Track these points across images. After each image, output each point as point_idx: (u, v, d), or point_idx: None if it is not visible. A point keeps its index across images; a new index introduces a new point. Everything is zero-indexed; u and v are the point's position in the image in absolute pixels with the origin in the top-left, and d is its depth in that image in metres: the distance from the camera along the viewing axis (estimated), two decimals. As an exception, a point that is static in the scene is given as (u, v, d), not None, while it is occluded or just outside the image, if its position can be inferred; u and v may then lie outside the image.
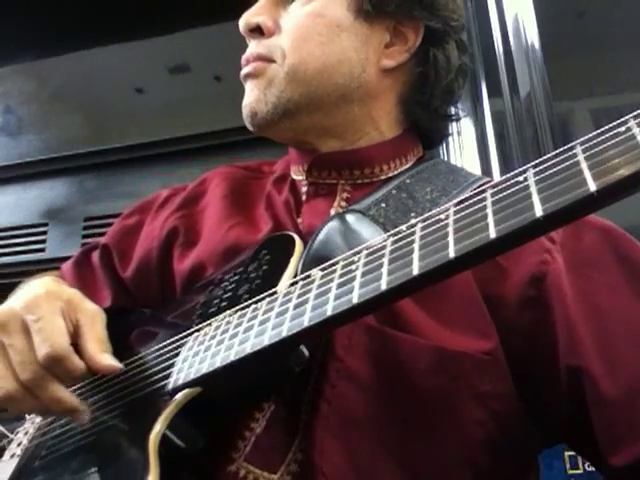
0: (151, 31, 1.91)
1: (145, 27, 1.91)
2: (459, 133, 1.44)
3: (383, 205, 0.70)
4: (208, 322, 0.65)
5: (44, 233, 1.91)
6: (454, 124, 0.87)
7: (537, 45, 1.51)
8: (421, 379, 0.62)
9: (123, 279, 0.86)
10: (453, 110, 0.84)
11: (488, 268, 0.64)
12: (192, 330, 0.66)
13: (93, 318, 0.68)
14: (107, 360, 0.66)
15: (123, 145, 1.87)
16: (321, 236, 0.66)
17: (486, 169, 1.44)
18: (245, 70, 0.77)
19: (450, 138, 1.40)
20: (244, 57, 0.78)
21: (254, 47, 0.77)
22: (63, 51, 2.01)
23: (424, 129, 0.82)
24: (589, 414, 0.60)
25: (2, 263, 1.89)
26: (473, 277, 0.66)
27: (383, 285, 0.47)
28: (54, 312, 0.65)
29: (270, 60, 0.75)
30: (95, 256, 0.90)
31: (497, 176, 1.40)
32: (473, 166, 1.44)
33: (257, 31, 0.77)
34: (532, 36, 1.52)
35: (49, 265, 0.97)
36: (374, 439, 0.61)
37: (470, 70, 0.84)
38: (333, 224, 0.67)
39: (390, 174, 0.77)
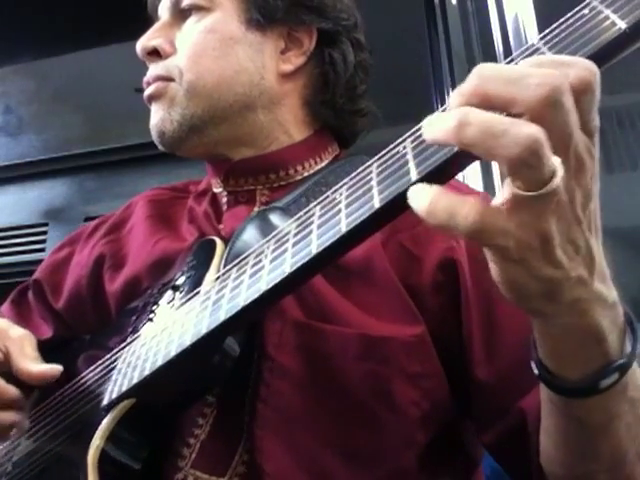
0: (151, 31, 1.91)
1: (145, 27, 1.91)
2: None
3: (303, 200, 0.71)
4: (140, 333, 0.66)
5: (44, 233, 1.91)
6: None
7: (537, 45, 1.51)
8: (350, 367, 0.63)
9: (57, 311, 0.87)
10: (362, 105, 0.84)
11: (404, 259, 0.68)
12: (126, 343, 0.67)
13: (21, 342, 0.69)
14: (40, 366, 0.67)
15: (123, 145, 1.87)
16: (242, 235, 0.68)
17: (486, 169, 1.44)
18: (147, 92, 0.79)
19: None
20: (144, 80, 0.80)
21: (153, 69, 0.79)
22: (63, 51, 2.01)
23: (334, 127, 0.83)
24: (470, 395, 0.65)
25: (2, 263, 1.88)
26: (392, 269, 0.68)
27: (287, 268, 0.48)
28: None
29: (169, 79, 0.77)
30: (30, 293, 0.91)
31: (497, 176, 1.40)
32: (473, 166, 1.43)
33: (154, 54, 0.79)
34: (532, 36, 1.52)
35: (49, 265, 0.97)
36: (314, 432, 0.63)
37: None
38: (254, 222, 0.69)
39: (306, 174, 0.78)
